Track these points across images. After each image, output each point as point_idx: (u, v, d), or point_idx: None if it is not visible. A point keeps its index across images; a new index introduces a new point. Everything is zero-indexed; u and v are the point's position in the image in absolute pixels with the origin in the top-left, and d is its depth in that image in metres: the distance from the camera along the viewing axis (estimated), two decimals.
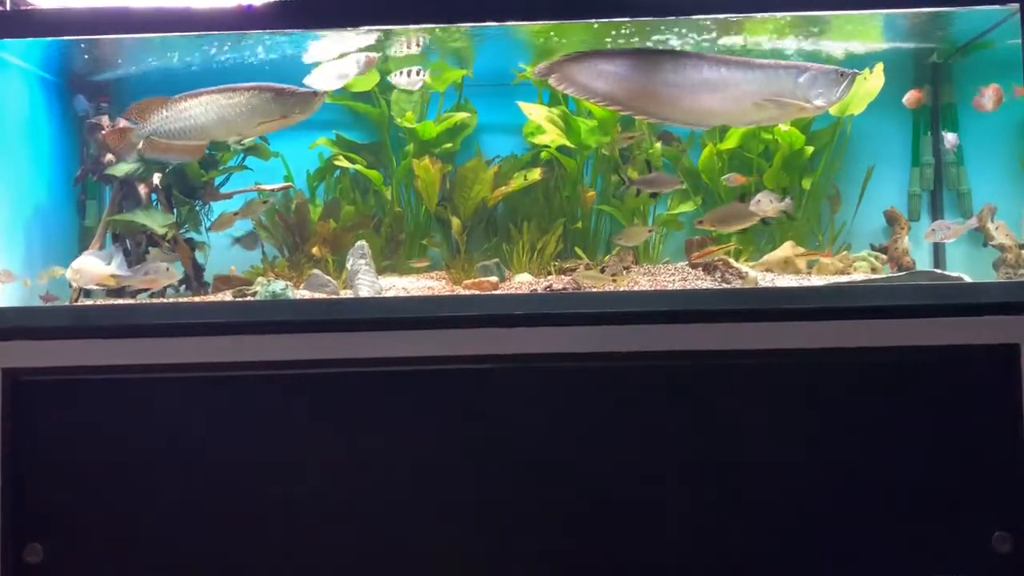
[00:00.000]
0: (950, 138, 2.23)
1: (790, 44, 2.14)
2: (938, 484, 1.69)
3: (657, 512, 1.71)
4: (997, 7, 1.82)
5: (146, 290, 2.13)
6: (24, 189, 2.20)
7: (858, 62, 2.11)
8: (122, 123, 2.26)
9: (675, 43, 2.07)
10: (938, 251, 2.35)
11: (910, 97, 2.21)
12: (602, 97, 1.94)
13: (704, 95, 1.91)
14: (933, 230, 2.16)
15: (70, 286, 2.08)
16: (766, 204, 2.06)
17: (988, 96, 2.05)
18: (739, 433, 1.71)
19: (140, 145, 2.02)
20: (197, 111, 1.99)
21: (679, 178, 2.24)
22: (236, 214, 2.16)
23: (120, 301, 2.13)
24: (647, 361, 1.72)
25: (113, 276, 2.01)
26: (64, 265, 2.07)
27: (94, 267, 2.01)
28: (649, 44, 2.06)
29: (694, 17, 1.90)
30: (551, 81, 1.95)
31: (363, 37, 2.05)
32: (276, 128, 2.08)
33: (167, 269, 2.05)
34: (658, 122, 2.10)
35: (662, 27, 2.00)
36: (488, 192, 2.32)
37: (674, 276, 2.15)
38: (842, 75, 1.90)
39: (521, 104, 2.29)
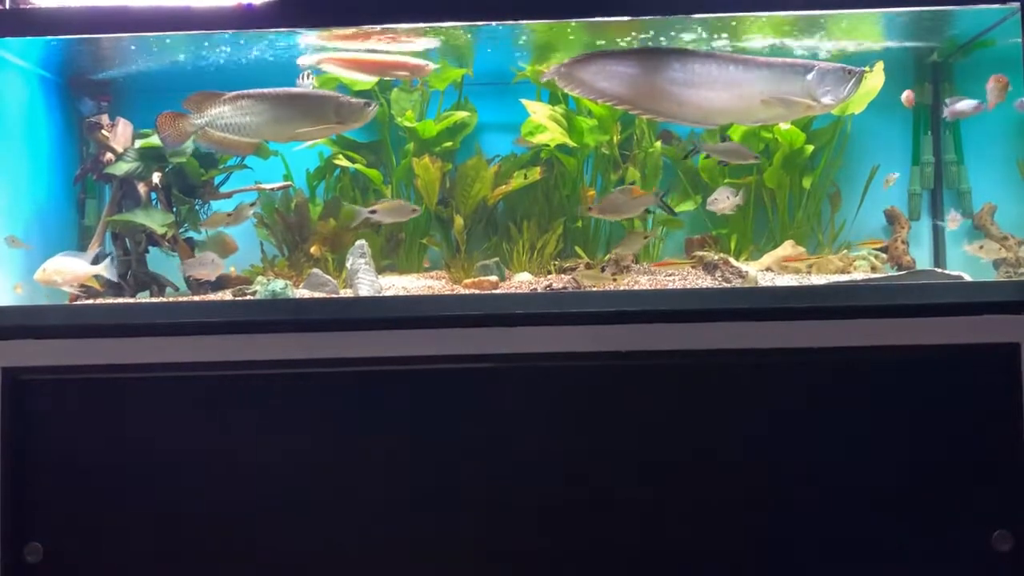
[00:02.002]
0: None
1: (790, 43, 2.13)
2: (938, 482, 1.69)
3: (658, 511, 1.71)
4: (997, 6, 1.82)
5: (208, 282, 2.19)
6: (24, 188, 2.20)
7: (858, 61, 2.10)
8: (121, 122, 2.27)
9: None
10: (938, 250, 2.35)
11: (907, 97, 2.21)
12: (611, 97, 1.94)
13: (712, 93, 1.91)
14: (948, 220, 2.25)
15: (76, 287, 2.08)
16: (723, 201, 2.07)
17: (992, 88, 2.04)
18: (740, 432, 1.71)
19: (194, 136, 2.04)
20: (253, 110, 2.01)
21: (754, 152, 2.19)
22: (229, 216, 2.16)
23: (121, 300, 2.13)
24: (647, 360, 1.72)
25: (96, 276, 2.04)
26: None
27: (77, 267, 2.01)
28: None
29: (695, 16, 1.89)
30: (560, 83, 1.96)
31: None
32: (328, 134, 2.12)
33: (212, 261, 2.10)
34: (667, 121, 2.10)
35: (671, 30, 2.00)
36: (488, 191, 2.32)
37: (674, 275, 2.15)
38: (849, 73, 1.89)
39: (525, 101, 2.29)
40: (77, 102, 2.32)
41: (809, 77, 1.89)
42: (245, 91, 2.03)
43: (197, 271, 2.12)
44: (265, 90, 2.05)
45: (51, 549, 1.70)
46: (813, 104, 1.90)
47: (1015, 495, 1.67)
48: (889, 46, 2.22)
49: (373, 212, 2.12)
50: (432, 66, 2.17)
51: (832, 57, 2.18)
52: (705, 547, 1.70)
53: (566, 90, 1.98)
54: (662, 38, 2.03)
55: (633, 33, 2.02)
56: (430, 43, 2.10)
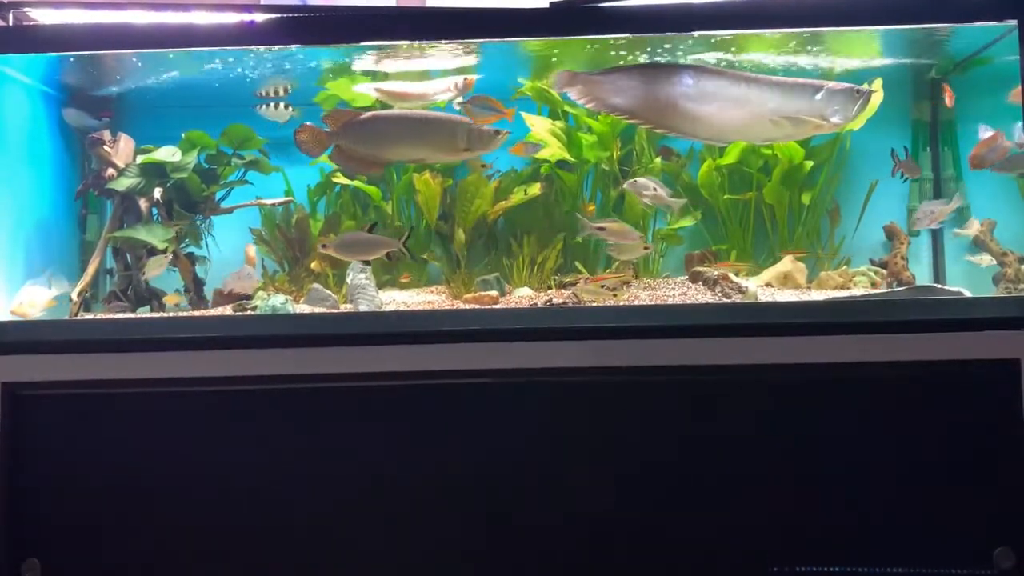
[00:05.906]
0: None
1: (789, 60, 2.14)
2: (940, 498, 1.69)
3: (658, 526, 1.70)
4: (995, 23, 1.83)
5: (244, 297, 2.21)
6: (26, 203, 2.21)
7: (857, 78, 2.12)
8: (123, 138, 2.27)
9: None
10: (938, 266, 2.35)
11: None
12: (621, 111, 1.95)
13: (723, 111, 1.93)
14: (918, 218, 2.19)
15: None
16: (645, 188, 2.06)
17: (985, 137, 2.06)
18: (739, 447, 1.71)
19: (330, 151, 2.07)
20: (388, 129, 2.06)
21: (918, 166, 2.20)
22: (166, 257, 2.18)
23: (120, 316, 2.13)
24: (647, 376, 1.72)
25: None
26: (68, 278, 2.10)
27: (41, 296, 2.05)
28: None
29: (695, 33, 1.90)
30: (572, 95, 1.96)
31: (454, 58, 2.11)
32: (455, 160, 2.14)
33: (248, 275, 2.14)
34: (679, 136, 2.11)
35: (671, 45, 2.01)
36: (488, 207, 2.32)
37: (674, 290, 2.16)
38: (858, 93, 1.91)
39: (525, 115, 2.30)
40: (72, 126, 2.30)
41: (818, 97, 1.91)
42: (383, 111, 2.10)
43: (238, 285, 2.15)
44: (402, 111, 2.10)
45: (49, 565, 1.69)
46: (822, 123, 1.92)
47: (1017, 511, 1.66)
48: (888, 63, 2.23)
49: (601, 229, 2.10)
50: (473, 77, 2.17)
51: (831, 74, 2.18)
52: (706, 563, 1.70)
53: (580, 101, 1.98)
54: (658, 58, 2.05)
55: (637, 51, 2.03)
56: (436, 60, 2.11)
